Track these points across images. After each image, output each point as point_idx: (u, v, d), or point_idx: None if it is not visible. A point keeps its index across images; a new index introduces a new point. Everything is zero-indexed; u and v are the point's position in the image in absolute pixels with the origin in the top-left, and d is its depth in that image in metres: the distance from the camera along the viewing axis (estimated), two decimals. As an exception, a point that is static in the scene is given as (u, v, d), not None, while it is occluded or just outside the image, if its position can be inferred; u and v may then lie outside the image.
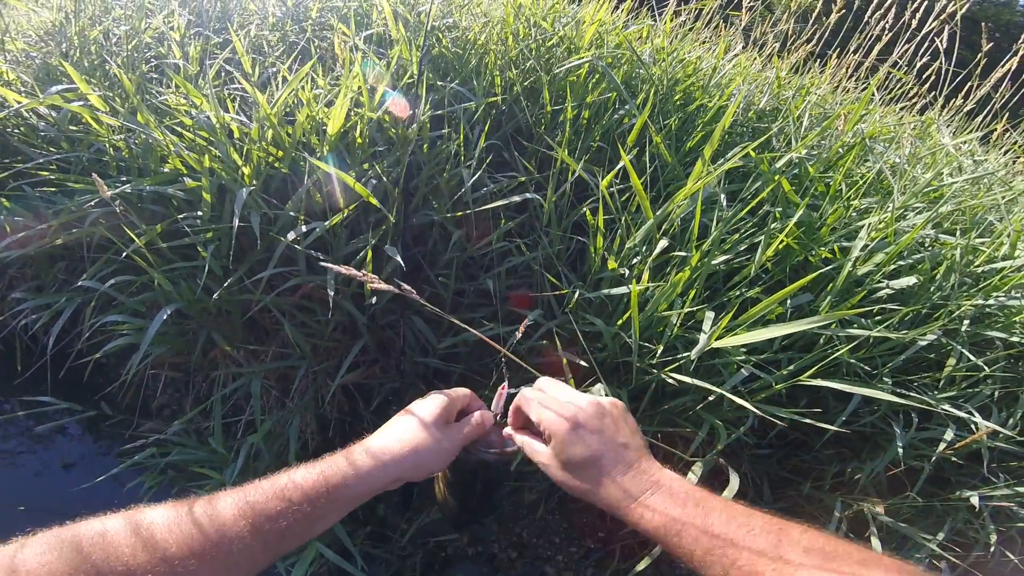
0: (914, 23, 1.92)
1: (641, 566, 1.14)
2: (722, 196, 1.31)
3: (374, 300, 1.31)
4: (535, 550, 1.60)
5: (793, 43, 2.30)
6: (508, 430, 0.68)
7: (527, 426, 0.67)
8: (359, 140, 1.36)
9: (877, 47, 2.05)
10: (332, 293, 1.20)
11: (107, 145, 1.43)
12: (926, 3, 1.91)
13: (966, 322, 1.28)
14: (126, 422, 1.71)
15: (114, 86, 1.58)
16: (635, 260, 1.26)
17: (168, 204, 1.37)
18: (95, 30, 1.74)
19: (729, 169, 1.41)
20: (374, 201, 1.21)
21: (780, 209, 1.33)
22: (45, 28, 1.89)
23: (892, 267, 1.29)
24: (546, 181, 1.37)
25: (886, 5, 1.97)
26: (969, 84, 1.95)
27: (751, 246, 1.30)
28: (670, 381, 1.13)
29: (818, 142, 1.68)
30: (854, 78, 2.33)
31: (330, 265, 0.69)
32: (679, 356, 1.13)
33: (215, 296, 1.26)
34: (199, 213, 1.30)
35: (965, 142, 1.96)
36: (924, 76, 2.01)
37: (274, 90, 1.41)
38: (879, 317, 1.28)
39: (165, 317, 1.25)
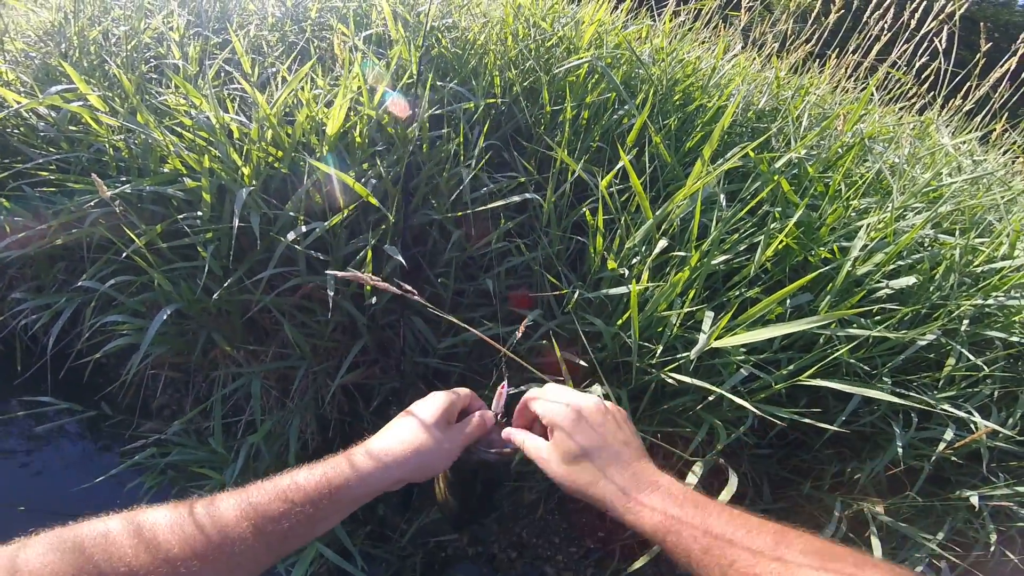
0: (913, 23, 1.92)
1: (639, 563, 1.14)
2: (721, 196, 1.31)
3: (374, 300, 1.31)
4: (535, 550, 1.60)
5: (792, 43, 2.31)
6: (507, 430, 0.68)
7: (529, 428, 0.68)
8: (359, 140, 1.36)
9: (876, 47, 2.06)
10: (332, 293, 1.20)
11: (107, 145, 1.43)
12: (925, 3, 1.92)
13: (965, 322, 1.28)
14: (126, 422, 1.71)
15: (113, 86, 1.58)
16: (635, 260, 1.27)
17: (168, 204, 1.37)
18: (94, 30, 1.74)
19: (728, 169, 1.41)
20: (374, 201, 1.21)
21: (779, 209, 1.33)
22: (44, 28, 1.89)
23: (891, 267, 1.29)
24: (546, 181, 1.37)
25: (885, 5, 1.97)
26: (968, 84, 1.95)
27: (750, 246, 1.30)
28: (670, 381, 1.13)
29: (817, 142, 1.68)
30: (853, 78, 2.33)
31: (337, 273, 0.69)
32: (679, 356, 1.13)
33: (215, 296, 1.26)
34: (199, 213, 1.30)
35: (964, 142, 1.97)
36: (923, 76, 2.01)
37: (273, 90, 1.41)
38: (878, 317, 1.28)
39: (165, 317, 1.25)
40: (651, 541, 0.53)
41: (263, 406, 1.51)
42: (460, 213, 1.37)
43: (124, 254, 1.25)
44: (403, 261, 1.18)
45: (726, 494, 1.05)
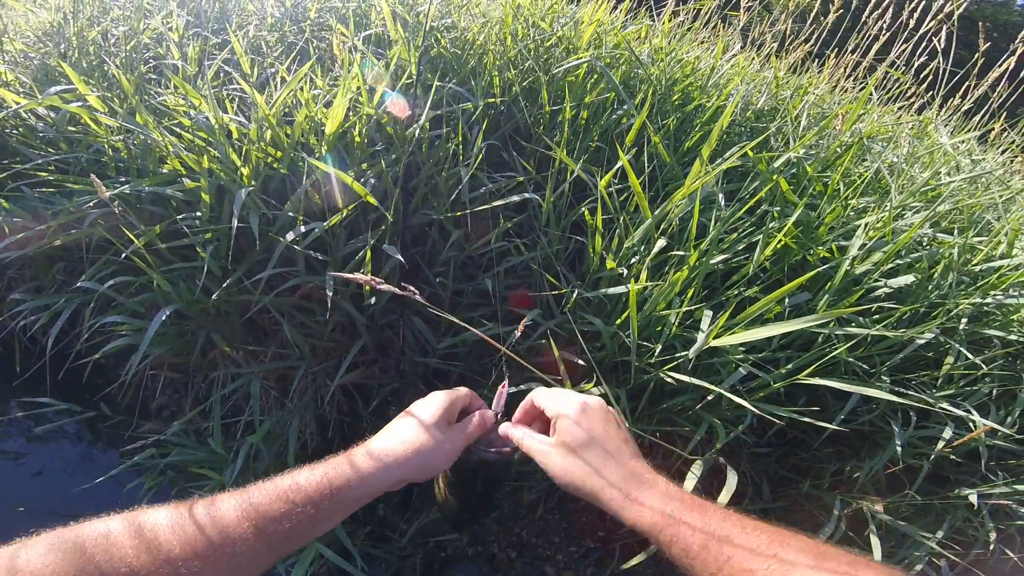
0: (912, 23, 1.92)
1: (636, 560, 1.14)
2: (720, 196, 1.31)
3: (373, 300, 1.31)
4: (535, 550, 1.61)
5: (791, 43, 2.31)
6: (504, 426, 0.68)
7: (528, 427, 0.68)
8: (358, 140, 1.36)
9: (875, 47, 2.06)
10: (331, 294, 1.20)
11: (106, 146, 1.43)
12: (924, 3, 1.92)
13: (964, 320, 1.29)
14: (125, 423, 1.71)
15: (113, 87, 1.58)
16: (633, 259, 1.27)
17: (167, 205, 1.37)
18: (93, 31, 1.74)
19: (727, 169, 1.41)
20: (372, 200, 1.21)
21: (778, 208, 1.33)
22: (43, 29, 1.89)
23: (890, 266, 1.29)
24: (545, 181, 1.37)
25: (884, 5, 1.98)
26: (967, 84, 1.95)
27: (749, 245, 1.30)
28: (668, 380, 1.13)
29: (816, 142, 1.68)
30: (852, 78, 2.34)
31: (343, 275, 0.70)
32: (677, 355, 1.13)
33: (214, 297, 1.26)
34: (198, 214, 1.30)
35: (963, 141, 1.97)
36: (922, 76, 2.01)
37: (273, 91, 1.41)
38: (877, 316, 1.28)
39: (164, 318, 1.25)
40: (647, 537, 0.53)
41: (262, 406, 1.51)
42: (459, 213, 1.37)
43: (123, 255, 1.25)
44: (403, 260, 1.18)
45: (725, 493, 1.05)
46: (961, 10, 1.85)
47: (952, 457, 1.31)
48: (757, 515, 0.52)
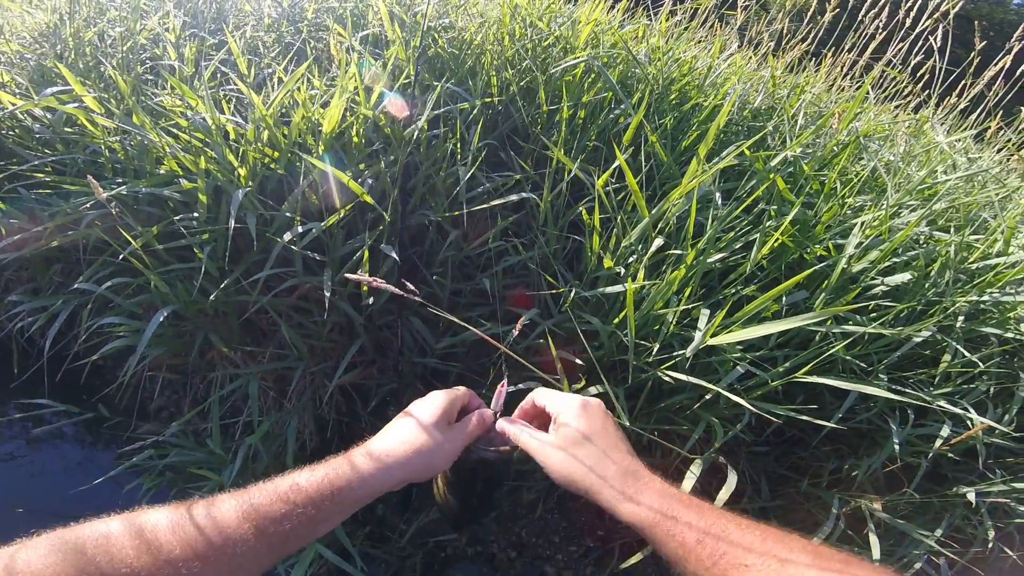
0: (908, 22, 1.93)
1: (636, 559, 1.14)
2: (717, 194, 1.31)
3: (371, 301, 1.31)
4: (534, 549, 1.61)
5: (788, 42, 2.31)
6: (501, 422, 0.68)
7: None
8: (356, 140, 1.36)
9: (872, 46, 2.06)
10: (328, 294, 1.20)
11: (102, 147, 1.42)
12: (920, 2, 1.92)
13: (961, 318, 1.29)
14: (124, 424, 1.71)
15: (109, 88, 1.58)
16: (631, 259, 1.27)
17: (164, 206, 1.37)
18: (90, 31, 1.73)
19: (724, 168, 1.41)
20: (369, 199, 1.21)
21: (775, 207, 1.33)
22: (39, 29, 1.88)
23: (887, 264, 1.30)
24: (542, 181, 1.37)
25: (880, 4, 1.98)
26: (963, 82, 1.96)
27: (746, 244, 1.30)
28: (666, 379, 1.13)
29: (813, 140, 1.69)
30: (849, 77, 2.34)
31: (350, 276, 0.70)
32: (675, 354, 1.13)
33: (212, 297, 1.26)
34: (195, 215, 1.30)
35: (959, 140, 1.97)
36: (918, 74, 2.01)
37: (270, 91, 1.41)
38: (874, 314, 1.28)
39: (162, 319, 1.25)
40: (641, 534, 0.54)
41: (261, 407, 1.51)
42: (457, 213, 1.37)
43: (120, 256, 1.25)
44: (397, 258, 1.18)
45: (726, 492, 1.05)
46: (957, 9, 1.86)
47: (950, 455, 1.31)
48: (756, 514, 0.52)
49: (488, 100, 1.56)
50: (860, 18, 2.09)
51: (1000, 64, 1.90)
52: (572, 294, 1.26)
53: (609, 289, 1.23)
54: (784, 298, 1.20)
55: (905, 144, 1.85)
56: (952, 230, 1.47)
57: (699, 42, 2.39)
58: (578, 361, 1.21)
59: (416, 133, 1.32)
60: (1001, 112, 2.02)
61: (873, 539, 1.18)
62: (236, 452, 1.37)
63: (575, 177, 1.35)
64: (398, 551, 1.54)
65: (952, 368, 1.25)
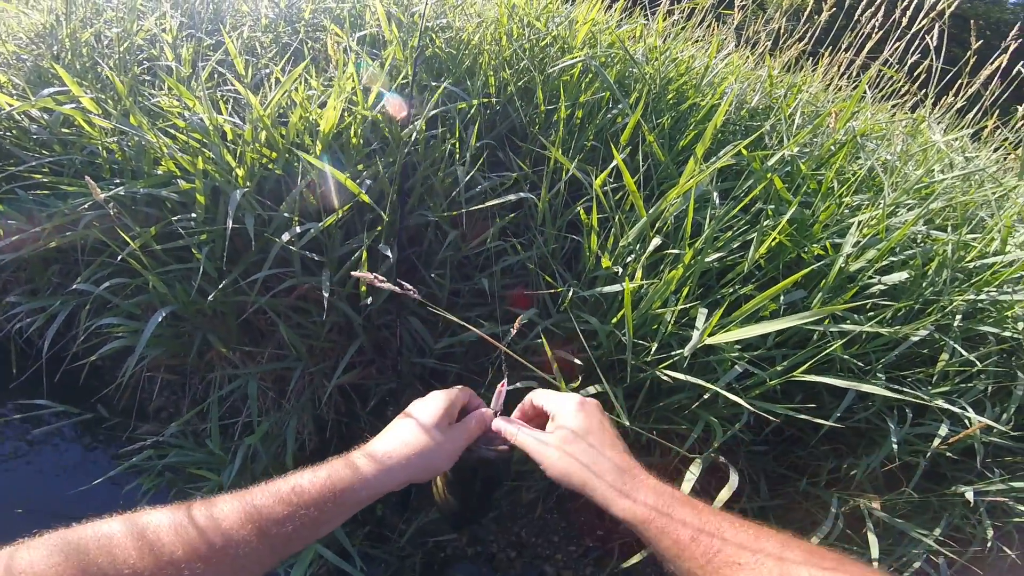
0: (905, 21, 1.93)
1: (636, 559, 1.14)
2: (715, 194, 1.32)
3: (369, 301, 1.31)
4: (534, 549, 1.61)
5: (785, 41, 2.32)
6: (497, 421, 0.69)
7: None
8: (354, 140, 1.36)
9: (868, 45, 2.07)
10: (327, 294, 1.20)
11: (100, 148, 1.42)
12: (916, 1, 1.93)
13: (958, 317, 1.29)
14: (123, 424, 1.70)
15: (106, 88, 1.57)
16: (629, 258, 1.27)
17: (162, 206, 1.37)
18: (86, 32, 1.73)
19: (722, 167, 1.41)
20: (367, 199, 1.21)
21: (772, 206, 1.34)
22: (36, 30, 1.88)
23: (884, 263, 1.30)
24: (540, 180, 1.37)
25: (877, 3, 1.98)
26: (959, 81, 1.96)
27: (744, 243, 1.30)
28: (664, 378, 1.13)
29: (810, 140, 1.69)
30: (846, 76, 2.34)
31: (354, 273, 0.70)
32: (673, 353, 1.13)
33: (210, 298, 1.26)
34: (193, 215, 1.30)
35: (956, 139, 1.97)
36: (915, 74, 2.02)
37: (267, 91, 1.41)
38: (872, 313, 1.29)
39: (160, 319, 1.25)
40: (636, 530, 0.55)
41: (260, 407, 1.51)
42: (455, 212, 1.37)
43: (119, 257, 1.25)
44: (391, 258, 1.18)
45: (727, 492, 1.05)
46: (953, 8, 1.86)
47: (948, 454, 1.31)
48: (755, 513, 0.52)
49: (486, 100, 1.56)
50: (857, 17, 2.10)
51: (996, 63, 1.90)
52: (570, 294, 1.26)
53: (607, 289, 1.24)
54: (782, 297, 1.20)
55: (902, 143, 1.86)
56: (949, 229, 1.47)
57: (696, 42, 2.39)
58: (577, 361, 1.21)
59: (414, 133, 1.32)
60: (998, 111, 2.02)
61: (872, 538, 1.18)
62: (235, 452, 1.37)
63: (573, 177, 1.35)
64: (397, 551, 1.54)
65: (950, 367, 1.25)
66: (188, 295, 1.31)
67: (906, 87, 2.17)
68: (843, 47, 2.21)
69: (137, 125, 1.29)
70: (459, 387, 0.71)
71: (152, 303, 1.36)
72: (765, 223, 1.26)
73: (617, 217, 1.27)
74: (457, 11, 1.84)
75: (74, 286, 1.41)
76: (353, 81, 1.32)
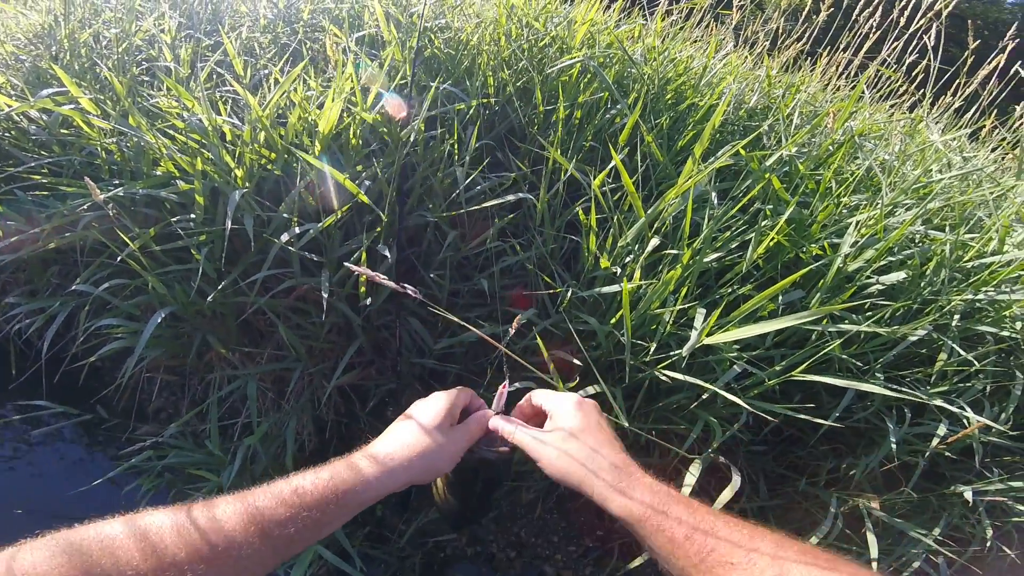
0: (902, 21, 1.94)
1: (637, 562, 1.14)
2: (713, 194, 1.32)
3: (369, 301, 1.31)
4: (534, 549, 1.61)
5: (783, 41, 2.32)
6: (495, 420, 0.69)
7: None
8: (353, 141, 1.36)
9: (866, 45, 2.07)
10: (326, 295, 1.20)
11: (99, 148, 1.42)
12: (914, 1, 1.93)
13: (956, 317, 1.29)
14: (122, 425, 1.70)
15: (105, 89, 1.58)
16: (627, 258, 1.27)
17: (161, 207, 1.37)
18: (85, 33, 1.73)
19: (720, 167, 1.42)
20: (366, 200, 1.21)
21: (771, 206, 1.34)
22: (34, 31, 1.88)
23: (882, 263, 1.30)
24: (539, 181, 1.37)
25: (875, 3, 1.99)
26: (957, 81, 1.96)
27: (742, 243, 1.30)
28: (663, 378, 1.13)
29: (808, 140, 1.69)
30: (844, 76, 2.34)
31: (354, 267, 0.70)
32: (672, 353, 1.14)
33: (209, 299, 1.26)
34: (192, 216, 1.30)
35: (954, 139, 1.98)
36: (913, 74, 2.02)
37: (266, 92, 1.41)
38: (870, 313, 1.29)
39: (159, 320, 1.25)
40: (631, 528, 0.55)
41: (259, 408, 1.51)
42: (454, 213, 1.37)
43: (118, 258, 1.25)
44: (390, 259, 1.18)
45: (728, 492, 1.05)
46: (951, 8, 1.86)
47: (947, 454, 1.32)
48: (754, 513, 0.53)
49: (485, 100, 1.56)
50: (855, 17, 2.10)
51: (994, 63, 1.91)
52: (569, 294, 1.26)
53: (606, 289, 1.24)
54: (780, 297, 1.20)
55: (900, 143, 1.86)
56: (947, 229, 1.48)
57: (695, 42, 2.39)
58: (575, 361, 1.21)
59: (413, 134, 1.32)
60: (995, 111, 2.03)
61: (871, 538, 1.18)
62: (235, 453, 1.37)
63: (572, 177, 1.35)
64: (397, 551, 1.54)
65: (948, 367, 1.26)
66: (187, 296, 1.31)
67: (904, 87, 2.17)
68: (841, 47, 2.21)
69: (136, 126, 1.29)
70: (460, 388, 0.71)
71: (151, 304, 1.36)
72: (763, 223, 1.26)
73: (616, 217, 1.27)
74: (456, 11, 1.84)
75: (73, 287, 1.41)
76: (352, 82, 1.32)
